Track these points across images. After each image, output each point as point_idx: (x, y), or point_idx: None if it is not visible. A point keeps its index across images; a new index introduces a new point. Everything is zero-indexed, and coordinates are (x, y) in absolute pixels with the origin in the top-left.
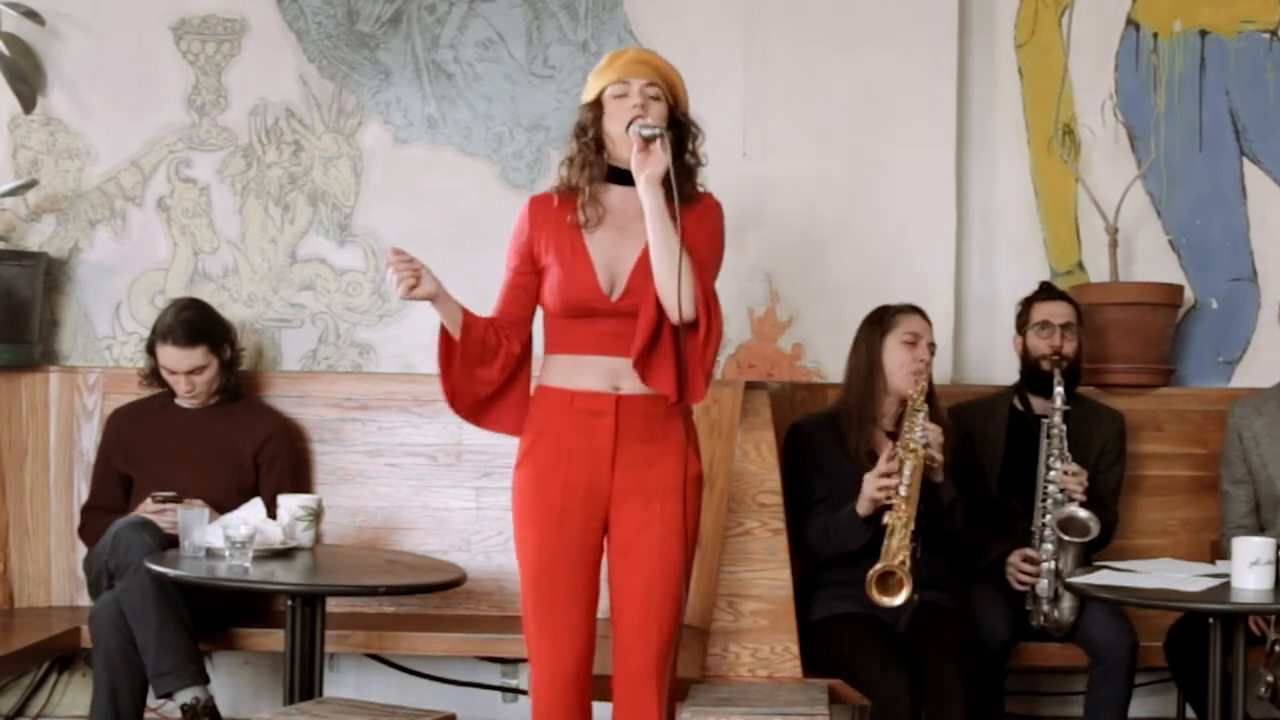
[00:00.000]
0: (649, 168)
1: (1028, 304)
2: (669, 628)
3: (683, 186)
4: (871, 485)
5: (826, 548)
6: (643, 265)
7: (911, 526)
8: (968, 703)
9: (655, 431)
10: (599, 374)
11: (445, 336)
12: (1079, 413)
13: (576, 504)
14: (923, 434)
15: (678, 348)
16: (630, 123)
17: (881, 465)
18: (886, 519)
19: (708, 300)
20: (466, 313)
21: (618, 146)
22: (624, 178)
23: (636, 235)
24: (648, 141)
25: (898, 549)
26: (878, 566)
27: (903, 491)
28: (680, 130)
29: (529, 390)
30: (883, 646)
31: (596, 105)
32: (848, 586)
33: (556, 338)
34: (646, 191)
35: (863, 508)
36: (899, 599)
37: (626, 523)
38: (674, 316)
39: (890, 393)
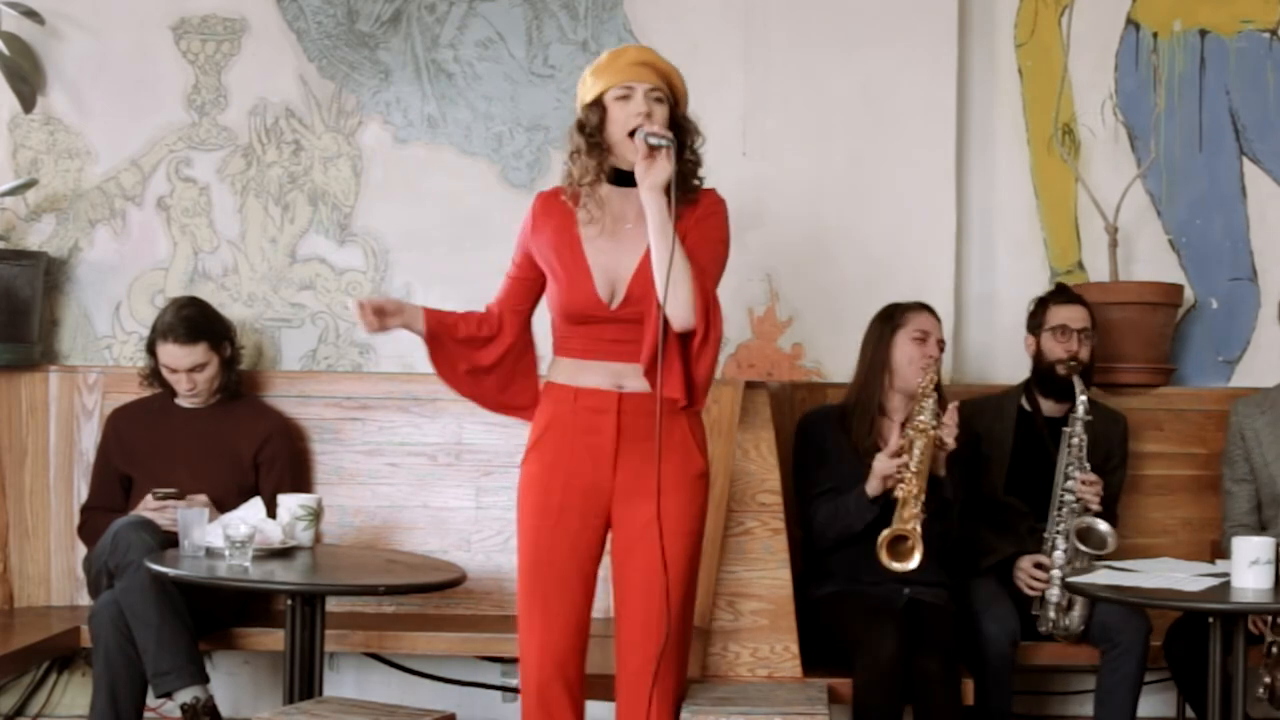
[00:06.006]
0: (653, 175)
1: (1043, 305)
2: (672, 626)
3: (685, 189)
4: (882, 464)
5: (832, 529)
6: (642, 272)
7: (922, 499)
8: (951, 697)
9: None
10: (603, 374)
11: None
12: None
13: (577, 501)
14: (932, 416)
15: (685, 352)
16: (634, 129)
17: (892, 444)
18: (897, 492)
19: (708, 306)
20: (428, 319)
21: (619, 148)
22: (625, 179)
23: (636, 240)
24: (653, 149)
25: (909, 518)
26: (889, 530)
27: (913, 467)
28: (680, 131)
29: (535, 371)
30: (874, 612)
31: (598, 106)
32: (850, 570)
33: (561, 341)
34: (650, 199)
35: (872, 487)
36: (911, 563)
37: (630, 520)
38: (675, 324)
39: (899, 389)
